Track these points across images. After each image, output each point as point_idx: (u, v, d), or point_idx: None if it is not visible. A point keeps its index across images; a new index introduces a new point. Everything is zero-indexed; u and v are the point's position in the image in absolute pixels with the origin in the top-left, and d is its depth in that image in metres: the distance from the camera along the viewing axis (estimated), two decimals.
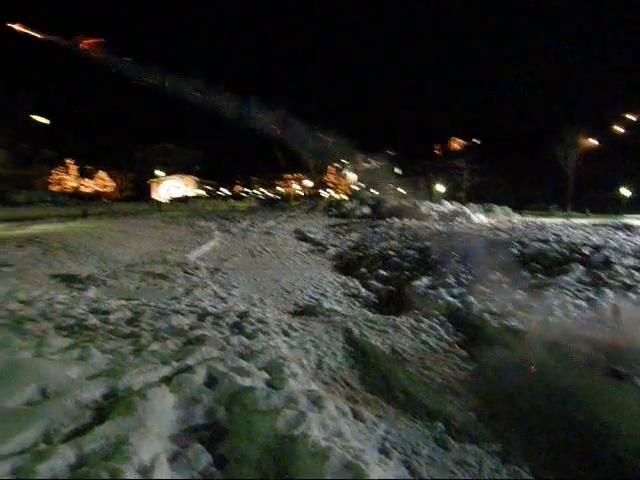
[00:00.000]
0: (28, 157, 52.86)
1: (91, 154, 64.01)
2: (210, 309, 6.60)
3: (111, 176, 70.82)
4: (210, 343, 4.68)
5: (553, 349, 5.35)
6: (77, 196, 55.28)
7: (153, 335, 4.97)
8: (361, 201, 35.03)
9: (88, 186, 67.32)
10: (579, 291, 7.90)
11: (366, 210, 30.99)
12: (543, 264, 10.01)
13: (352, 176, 72.78)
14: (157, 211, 34.52)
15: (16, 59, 51.94)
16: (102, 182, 69.85)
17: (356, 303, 8.33)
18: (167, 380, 3.67)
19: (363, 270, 11.21)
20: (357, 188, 66.16)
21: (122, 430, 2.90)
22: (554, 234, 13.01)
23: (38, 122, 54.94)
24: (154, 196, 70.41)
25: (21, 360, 4.01)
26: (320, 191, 78.08)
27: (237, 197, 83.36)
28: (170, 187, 76.39)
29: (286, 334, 5.69)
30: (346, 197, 57.85)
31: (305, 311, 7.47)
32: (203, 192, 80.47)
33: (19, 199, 40.06)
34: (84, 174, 67.66)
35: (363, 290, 9.24)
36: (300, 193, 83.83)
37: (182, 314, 6.12)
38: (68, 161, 64.52)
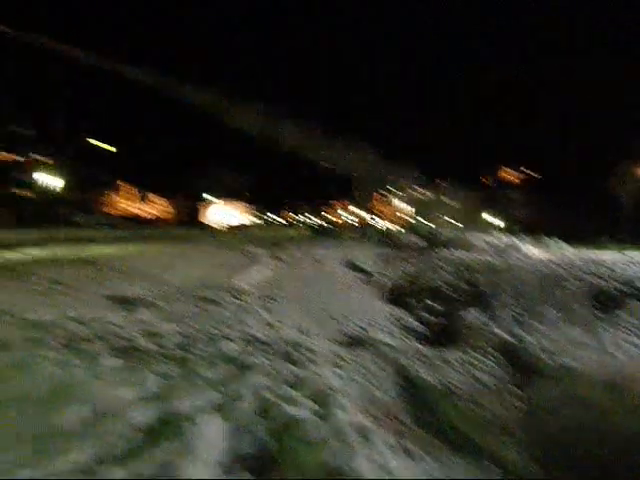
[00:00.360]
0: (89, 181, 55.03)
1: (149, 179, 65.79)
2: (259, 335, 6.60)
3: (167, 201, 72.39)
4: (259, 370, 4.69)
5: (610, 389, 5.15)
6: (134, 220, 56.73)
7: (203, 360, 5.01)
8: (411, 231, 34.86)
9: (144, 210, 68.95)
10: (636, 328, 7.62)
11: (416, 240, 30.75)
12: (598, 300, 9.70)
13: (401, 205, 72.41)
14: (209, 236, 35.04)
15: (75, 87, 54.18)
16: (158, 206, 71.43)
17: (406, 335, 8.23)
18: (216, 406, 3.69)
19: (413, 301, 11.09)
20: (407, 217, 65.79)
21: (171, 455, 2.92)
22: (609, 268, 12.58)
23: (101, 147, 57.44)
24: (204, 221, 71.62)
25: (75, 379, 4.10)
26: (369, 219, 78.01)
27: (287, 224, 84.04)
28: (220, 212, 77.61)
29: (335, 364, 5.65)
30: (396, 226, 57.63)
31: (354, 341, 7.42)
32: (253, 218, 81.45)
33: (78, 221, 41.37)
34: (141, 198, 69.39)
35: (413, 322, 9.13)
36: (349, 221, 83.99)
37: (231, 340, 6.14)
38: (126, 185, 66.35)
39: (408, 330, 8.57)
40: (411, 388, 5.30)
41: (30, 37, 47.95)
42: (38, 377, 4.08)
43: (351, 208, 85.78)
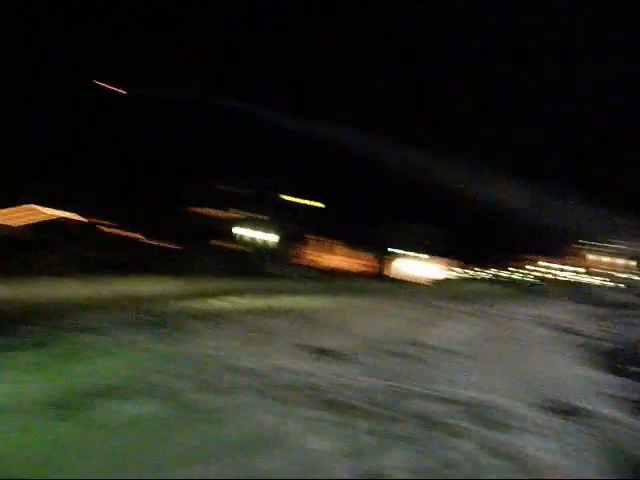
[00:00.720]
0: (286, 235, 59.13)
1: (340, 232, 68.29)
2: (450, 395, 6.38)
3: (358, 253, 74.01)
4: (455, 433, 4.53)
5: None
6: (327, 272, 58.88)
7: (396, 417, 4.97)
8: (618, 287, 32.03)
9: (337, 262, 71.10)
10: None
11: (628, 298, 28.09)
12: None
13: (607, 258, 66.81)
14: (400, 290, 35.19)
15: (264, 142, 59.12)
16: (349, 259, 73.21)
17: (617, 404, 7.40)
18: (412, 467, 3.61)
19: (625, 367, 10.02)
20: (616, 272, 60.38)
21: None
22: None
23: (295, 202, 61.62)
24: (394, 274, 71.76)
25: (277, 426, 4.28)
26: (570, 274, 72.91)
27: (478, 278, 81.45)
28: (411, 266, 77.34)
29: (536, 432, 5.23)
30: (602, 281, 53.32)
31: (555, 407, 6.83)
32: (443, 271, 79.94)
33: (275, 273, 43.96)
34: (332, 251, 71.82)
35: (626, 390, 8.18)
36: (546, 275, 79.06)
37: (423, 397, 6.02)
38: (318, 238, 69.28)
39: (619, 399, 7.71)
40: (623, 465, 4.74)
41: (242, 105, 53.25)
42: (243, 422, 4.33)
43: (545, 263, 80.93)
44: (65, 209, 39.54)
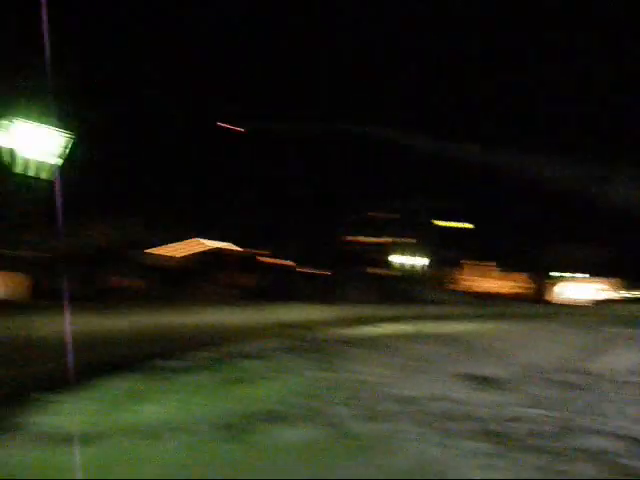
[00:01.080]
0: (438, 259, 58.95)
1: (492, 255, 66.31)
2: (622, 430, 5.75)
3: (513, 276, 71.17)
4: (632, 474, 4.09)
5: None
6: (480, 296, 57.29)
7: (564, 453, 4.63)
8: None
9: (490, 286, 68.88)
10: None
11: None
12: None
13: None
14: (559, 312, 33.36)
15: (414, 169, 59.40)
16: (504, 283, 70.56)
17: None
18: None
19: None
20: None
21: None
22: None
23: (449, 226, 61.24)
24: (553, 297, 67.99)
25: (433, 457, 4.16)
26: None
27: None
28: (572, 289, 72.63)
29: None
30: None
31: None
32: (609, 293, 74.03)
33: (429, 297, 43.47)
34: (486, 273, 69.72)
35: None
36: None
37: (591, 432, 5.55)
38: (470, 262, 67.69)
39: None
40: None
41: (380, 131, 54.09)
42: (404, 452, 4.25)
43: None
44: (223, 240, 42.13)
